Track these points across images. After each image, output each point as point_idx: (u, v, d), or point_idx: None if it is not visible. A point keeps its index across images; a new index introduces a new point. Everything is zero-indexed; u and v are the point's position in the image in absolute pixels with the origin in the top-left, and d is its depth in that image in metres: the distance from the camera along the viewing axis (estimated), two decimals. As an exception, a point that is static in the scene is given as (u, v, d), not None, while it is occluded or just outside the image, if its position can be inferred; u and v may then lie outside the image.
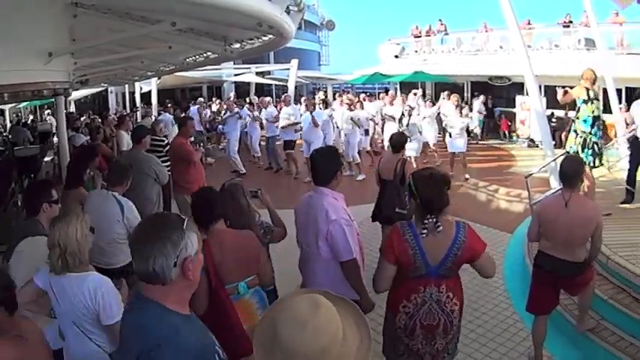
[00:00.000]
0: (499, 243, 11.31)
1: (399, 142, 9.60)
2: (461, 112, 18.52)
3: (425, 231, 4.39)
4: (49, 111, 33.95)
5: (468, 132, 19.34)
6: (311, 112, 17.54)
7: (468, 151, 18.51)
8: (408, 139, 14.24)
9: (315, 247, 5.02)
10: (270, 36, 8.30)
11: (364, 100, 23.24)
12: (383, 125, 22.71)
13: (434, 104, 20.98)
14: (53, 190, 5.93)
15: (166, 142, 11.40)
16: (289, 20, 7.75)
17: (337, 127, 19.43)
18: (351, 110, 18.60)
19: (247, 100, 28.44)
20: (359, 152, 18.60)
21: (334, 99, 27.00)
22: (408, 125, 17.21)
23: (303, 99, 24.05)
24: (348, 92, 32.32)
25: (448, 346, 4.68)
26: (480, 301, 8.44)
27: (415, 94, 22.72)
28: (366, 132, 19.70)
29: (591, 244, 6.22)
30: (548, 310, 6.53)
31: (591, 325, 7.18)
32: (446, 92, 22.81)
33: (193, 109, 24.92)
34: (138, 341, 2.70)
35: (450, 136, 18.04)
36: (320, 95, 28.06)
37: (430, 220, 4.39)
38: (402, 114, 17.92)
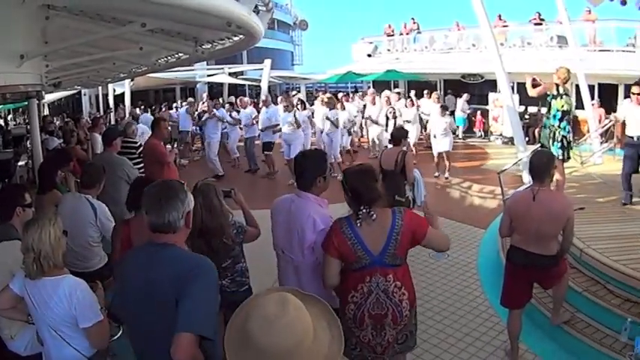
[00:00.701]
0: (473, 239, 11.40)
1: (398, 136, 10.30)
2: (444, 112, 18.33)
3: (359, 220, 4.48)
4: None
5: (453, 131, 18.99)
6: (294, 114, 17.29)
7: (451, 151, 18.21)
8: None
9: (300, 256, 4.95)
10: (241, 36, 8.29)
11: (345, 100, 22.87)
12: (362, 125, 22.86)
13: (414, 103, 20.98)
14: (26, 194, 5.88)
15: (139, 143, 11.31)
16: (258, 20, 7.75)
17: (318, 128, 19.32)
18: (330, 110, 18.31)
19: (221, 100, 28.40)
20: (340, 152, 18.48)
21: (307, 99, 27.04)
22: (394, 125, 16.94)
23: (279, 99, 23.99)
24: (325, 92, 32.20)
25: (398, 336, 4.69)
26: (455, 297, 8.49)
27: (398, 94, 22.55)
28: (349, 132, 19.62)
29: (563, 237, 6.28)
30: (522, 304, 6.58)
31: (566, 318, 7.24)
32: (425, 91, 23.02)
33: (182, 109, 24.53)
34: (174, 268, 3.45)
35: (435, 137, 17.83)
36: (299, 96, 27.91)
37: (363, 210, 4.46)
38: (387, 117, 17.95)
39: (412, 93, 25.22)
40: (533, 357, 6.87)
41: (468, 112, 26.77)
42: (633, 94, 10.33)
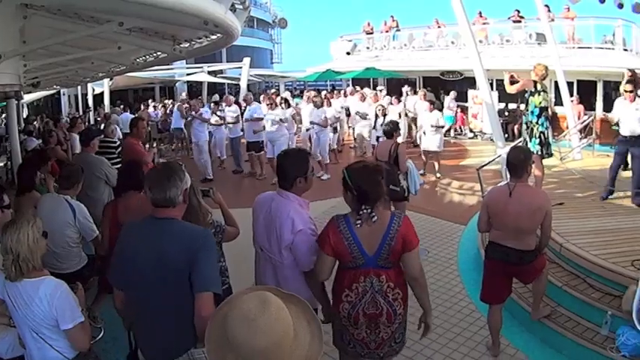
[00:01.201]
0: (453, 235, 11.48)
1: (391, 129, 10.57)
2: (433, 107, 18.18)
3: (359, 221, 4.45)
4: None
5: (441, 126, 18.44)
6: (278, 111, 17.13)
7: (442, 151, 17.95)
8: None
9: (278, 255, 4.90)
10: (218, 35, 8.27)
11: (329, 97, 22.86)
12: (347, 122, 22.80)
13: (399, 100, 20.93)
14: (5, 195, 5.85)
15: (118, 143, 11.26)
16: (234, 18, 7.73)
17: (304, 126, 19.28)
18: (318, 108, 18.20)
19: (199, 98, 28.30)
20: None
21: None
22: (382, 126, 16.52)
23: (261, 97, 23.86)
24: (310, 90, 32.12)
25: (394, 334, 4.71)
26: (436, 292, 8.50)
27: (380, 91, 22.45)
28: (335, 130, 19.44)
29: (541, 232, 6.31)
30: (502, 300, 6.61)
31: (547, 312, 7.28)
32: (408, 88, 23.06)
33: (175, 108, 24.10)
34: (185, 241, 3.95)
35: (425, 134, 17.70)
36: (283, 94, 27.83)
37: (365, 210, 4.44)
38: (376, 115, 17.56)
39: (405, 88, 25.54)
40: (515, 351, 6.91)
41: (456, 109, 26.60)
42: (625, 91, 10.39)
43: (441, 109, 20.62)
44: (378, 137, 15.59)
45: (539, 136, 10.53)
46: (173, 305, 3.97)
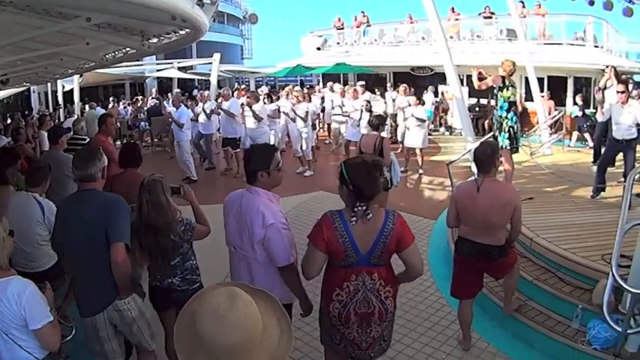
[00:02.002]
0: (424, 229, 11.54)
1: (377, 122, 10.95)
2: (420, 102, 18.11)
3: (354, 218, 4.39)
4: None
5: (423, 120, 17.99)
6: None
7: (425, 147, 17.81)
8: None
9: (251, 252, 4.85)
10: (187, 30, 8.22)
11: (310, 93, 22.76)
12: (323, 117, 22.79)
13: (384, 96, 20.85)
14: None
15: (87, 140, 11.14)
16: (202, 13, 7.67)
17: (285, 122, 19.19)
18: (299, 102, 18.07)
19: (169, 95, 28.13)
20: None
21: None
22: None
23: (235, 93, 23.60)
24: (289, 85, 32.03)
25: (384, 333, 4.70)
26: (407, 287, 8.40)
27: (362, 87, 22.30)
28: (313, 126, 19.29)
29: (511, 227, 6.33)
30: (472, 295, 6.65)
31: (516, 306, 7.33)
32: (388, 84, 23.10)
33: (169, 103, 23.14)
34: (102, 207, 5.08)
35: (408, 129, 17.57)
36: (263, 89, 27.65)
37: (360, 207, 4.38)
38: (361, 110, 17.17)
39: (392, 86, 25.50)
40: (486, 345, 6.95)
41: (435, 105, 26.46)
42: (618, 92, 10.46)
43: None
44: (363, 134, 15.43)
45: (509, 131, 10.65)
46: (97, 261, 4.97)
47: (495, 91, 10.81)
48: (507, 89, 10.57)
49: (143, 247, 5.42)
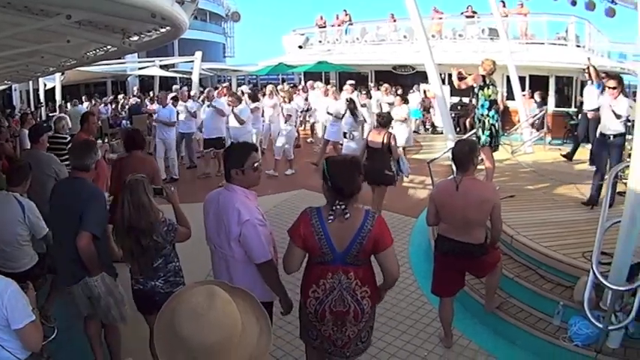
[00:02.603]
0: (405, 227, 11.61)
1: (385, 120, 11.39)
2: (403, 101, 18.09)
3: (331, 216, 4.41)
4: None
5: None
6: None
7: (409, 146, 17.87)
8: (351, 137, 15.04)
9: (229, 249, 4.85)
10: (167, 28, 8.20)
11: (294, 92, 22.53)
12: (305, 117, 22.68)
13: (368, 96, 20.81)
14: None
15: (69, 139, 11.08)
16: (182, 11, 7.65)
17: (267, 121, 19.22)
18: (285, 102, 18.02)
19: (151, 93, 28.06)
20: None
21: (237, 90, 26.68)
22: (352, 119, 15.72)
23: (216, 92, 23.40)
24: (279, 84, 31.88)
25: (361, 333, 4.68)
26: (388, 285, 8.54)
27: (351, 86, 22.18)
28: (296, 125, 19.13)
29: (492, 225, 6.36)
30: (453, 293, 6.66)
31: (497, 303, 7.36)
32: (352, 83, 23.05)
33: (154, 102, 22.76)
34: (82, 195, 5.72)
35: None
36: (244, 88, 27.59)
37: (338, 206, 4.40)
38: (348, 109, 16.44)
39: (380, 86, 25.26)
40: (468, 342, 6.97)
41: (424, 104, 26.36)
42: (609, 87, 10.46)
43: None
44: (345, 133, 15.47)
45: (490, 128, 10.71)
46: (71, 242, 5.47)
47: (476, 89, 10.83)
48: (488, 88, 10.64)
49: (125, 248, 5.41)
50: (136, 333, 6.18)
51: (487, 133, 10.69)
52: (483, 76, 10.66)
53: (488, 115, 10.68)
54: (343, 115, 16.17)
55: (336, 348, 4.69)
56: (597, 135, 10.79)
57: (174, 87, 26.90)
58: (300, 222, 4.58)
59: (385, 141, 10.82)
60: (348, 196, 4.42)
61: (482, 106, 10.73)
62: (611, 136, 10.10)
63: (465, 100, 23.99)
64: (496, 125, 10.69)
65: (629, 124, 9.91)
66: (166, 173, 16.76)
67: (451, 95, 22.94)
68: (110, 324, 6.18)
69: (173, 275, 5.58)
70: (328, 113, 17.92)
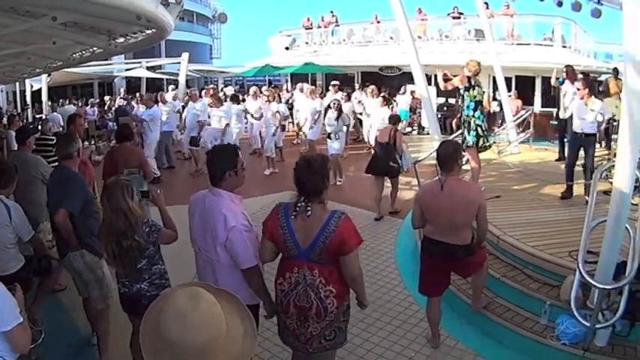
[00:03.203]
0: (391, 228, 11.63)
1: (393, 119, 12.78)
2: (386, 104, 17.88)
3: (294, 213, 4.51)
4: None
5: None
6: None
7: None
8: (335, 136, 15.13)
9: (214, 254, 4.83)
10: (153, 30, 8.19)
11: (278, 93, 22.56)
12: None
13: (349, 98, 20.77)
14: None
15: (55, 140, 11.03)
16: (167, 13, 7.66)
17: (250, 122, 19.30)
18: (269, 102, 18.13)
19: (137, 95, 28.00)
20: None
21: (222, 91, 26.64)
22: (337, 120, 15.65)
23: (203, 92, 23.33)
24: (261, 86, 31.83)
25: (324, 332, 4.67)
26: (375, 286, 8.59)
27: (334, 87, 22.05)
28: (283, 127, 19.04)
29: (477, 226, 6.36)
30: (439, 292, 6.67)
31: (485, 303, 7.38)
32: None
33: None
34: (62, 177, 6.68)
35: (371, 127, 17.45)
36: (228, 90, 27.51)
37: (302, 203, 4.49)
38: (329, 107, 16.38)
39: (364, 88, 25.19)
40: (455, 342, 6.97)
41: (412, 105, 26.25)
42: (578, 89, 10.59)
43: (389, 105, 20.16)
44: (329, 133, 15.47)
45: (476, 129, 10.68)
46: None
47: (462, 90, 10.82)
48: (474, 89, 10.62)
49: (107, 251, 5.40)
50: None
51: (473, 133, 10.66)
52: (469, 77, 10.64)
53: (473, 116, 10.66)
54: (325, 115, 16.24)
55: (300, 343, 4.74)
56: (571, 133, 11.20)
57: (171, 87, 26.92)
58: (270, 216, 4.71)
59: (391, 136, 12.07)
60: (310, 194, 4.51)
61: (468, 107, 10.72)
62: (583, 135, 10.28)
63: (452, 101, 24.02)
64: (482, 126, 10.69)
65: (603, 125, 10.20)
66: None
67: (437, 96, 22.96)
68: (98, 309, 6.53)
69: (158, 278, 5.54)
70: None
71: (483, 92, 10.99)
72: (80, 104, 28.79)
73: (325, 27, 34.57)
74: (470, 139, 10.64)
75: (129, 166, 8.77)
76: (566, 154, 11.94)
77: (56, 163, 9.36)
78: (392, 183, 12.65)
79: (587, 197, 9.76)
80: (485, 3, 22.07)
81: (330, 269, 4.56)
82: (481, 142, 10.69)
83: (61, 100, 28.01)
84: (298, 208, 4.50)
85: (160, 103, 18.77)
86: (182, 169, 18.99)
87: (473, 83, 10.63)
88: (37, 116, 27.24)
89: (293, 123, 23.50)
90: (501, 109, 18.80)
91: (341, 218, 4.50)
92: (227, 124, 16.90)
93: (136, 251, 5.29)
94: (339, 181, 15.73)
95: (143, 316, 2.41)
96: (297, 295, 4.56)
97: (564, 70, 13.73)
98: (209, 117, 17.47)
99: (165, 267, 5.68)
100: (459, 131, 12.15)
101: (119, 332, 6.31)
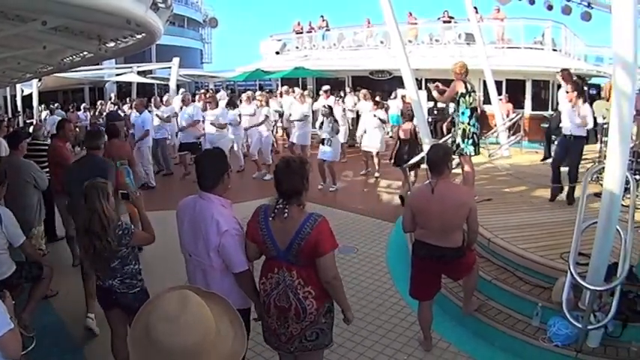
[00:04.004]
0: (382, 232, 11.59)
1: (411, 115, 14.17)
2: (377, 107, 17.77)
3: (272, 214, 4.54)
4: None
5: (383, 121, 17.87)
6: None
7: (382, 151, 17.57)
8: (327, 142, 15.01)
9: (207, 259, 4.83)
10: (143, 34, 8.19)
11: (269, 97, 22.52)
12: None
13: (342, 102, 20.76)
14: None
15: (48, 146, 11.01)
16: (156, 17, 7.65)
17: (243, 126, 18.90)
18: (262, 106, 18.11)
19: (128, 100, 28.01)
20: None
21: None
22: (331, 126, 15.49)
23: (197, 97, 23.17)
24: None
25: (305, 332, 4.67)
26: (366, 290, 8.61)
27: (326, 92, 21.96)
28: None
29: (468, 228, 6.38)
30: (431, 296, 6.68)
31: (476, 305, 7.39)
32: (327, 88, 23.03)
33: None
34: (101, 165, 7.74)
35: (365, 131, 17.30)
36: (222, 94, 27.45)
37: (280, 205, 4.52)
38: (322, 114, 16.22)
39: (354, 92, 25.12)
40: (447, 345, 6.98)
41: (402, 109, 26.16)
42: (567, 91, 10.64)
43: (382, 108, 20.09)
44: (323, 140, 15.37)
45: (472, 137, 10.53)
46: None
47: (457, 96, 10.57)
48: (470, 95, 10.45)
49: (84, 248, 5.56)
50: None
51: (470, 142, 10.51)
52: (464, 82, 10.43)
53: (469, 124, 10.48)
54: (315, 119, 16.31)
55: (281, 342, 4.76)
56: (560, 135, 11.21)
57: (181, 90, 26.93)
58: (251, 217, 4.76)
59: (412, 132, 13.84)
60: (287, 196, 4.54)
61: (463, 114, 10.49)
62: (572, 137, 10.35)
63: (441, 104, 24.08)
64: (477, 133, 10.64)
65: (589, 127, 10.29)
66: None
67: (427, 100, 22.99)
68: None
69: (130, 277, 5.68)
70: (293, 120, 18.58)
71: (476, 98, 10.95)
72: (72, 109, 28.72)
73: (315, 31, 34.60)
74: (468, 149, 10.50)
75: (120, 158, 8.98)
76: (552, 154, 11.95)
77: (47, 169, 9.44)
78: (414, 173, 13.65)
79: (565, 199, 10.19)
80: (475, 7, 22.18)
81: (308, 271, 4.58)
82: (477, 150, 10.70)
83: (57, 104, 28.04)
84: (276, 209, 4.53)
85: (154, 108, 18.79)
86: (180, 174, 18.72)
87: (469, 89, 10.44)
88: (28, 121, 27.20)
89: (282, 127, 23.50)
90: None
91: (317, 221, 4.52)
92: (225, 124, 16.83)
93: (108, 252, 5.41)
94: (332, 188, 15.59)
95: (132, 321, 2.41)
96: (277, 295, 4.60)
97: (560, 73, 13.75)
98: (203, 120, 17.30)
99: (139, 267, 5.81)
100: (450, 135, 12.16)
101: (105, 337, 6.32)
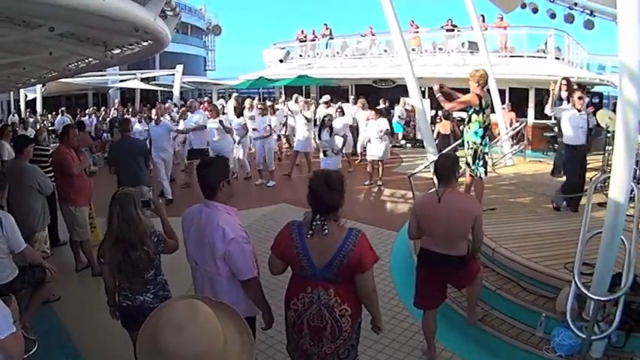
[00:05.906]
0: (386, 241, 11.54)
1: (447, 114, 16.39)
2: (380, 115, 17.77)
3: (310, 232, 4.39)
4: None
5: (387, 132, 17.53)
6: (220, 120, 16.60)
7: (387, 159, 17.66)
8: (331, 151, 15.30)
9: (214, 267, 4.78)
10: (150, 41, 8.20)
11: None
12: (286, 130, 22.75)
13: (343, 112, 20.79)
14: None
15: (51, 151, 11.01)
16: (164, 25, 7.67)
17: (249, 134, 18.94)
18: (262, 116, 18.12)
19: (128, 105, 28.11)
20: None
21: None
22: (330, 134, 15.75)
23: (202, 106, 23.04)
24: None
25: (339, 350, 4.60)
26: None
27: (326, 102, 21.84)
28: (278, 137, 18.98)
29: (473, 237, 6.36)
30: (436, 305, 6.64)
31: (480, 315, 7.38)
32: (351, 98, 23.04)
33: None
34: (137, 143, 11.97)
35: (370, 141, 17.24)
36: (222, 101, 27.47)
37: (319, 221, 4.37)
38: (323, 122, 16.38)
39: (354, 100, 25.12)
40: (451, 355, 6.93)
41: (406, 118, 26.15)
42: (578, 98, 10.51)
43: (386, 116, 19.99)
44: (324, 151, 15.52)
45: (483, 157, 9.88)
46: (134, 167, 9.40)
47: (470, 112, 9.78)
48: (483, 112, 9.60)
49: (110, 263, 5.33)
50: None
51: (480, 162, 9.85)
52: (480, 98, 9.49)
53: (481, 144, 9.75)
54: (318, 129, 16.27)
55: None
56: (564, 145, 11.13)
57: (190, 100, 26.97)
58: (282, 234, 4.60)
59: (452, 128, 16.17)
60: (324, 212, 4.40)
61: (476, 133, 9.70)
62: (577, 146, 10.45)
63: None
64: (488, 153, 10.28)
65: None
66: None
67: (431, 108, 22.96)
68: None
69: (161, 289, 5.54)
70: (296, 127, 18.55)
71: (489, 114, 9.99)
72: (80, 113, 28.81)
73: (319, 40, 34.66)
74: (479, 170, 9.85)
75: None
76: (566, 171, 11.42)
77: (52, 173, 9.46)
78: None
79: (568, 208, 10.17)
80: (482, 15, 22.19)
81: (345, 288, 4.48)
82: (486, 171, 10.11)
83: (62, 109, 28.21)
84: (314, 226, 4.39)
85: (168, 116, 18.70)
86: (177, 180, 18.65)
87: (484, 106, 9.58)
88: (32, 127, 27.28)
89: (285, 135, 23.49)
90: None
91: (358, 236, 4.42)
92: (230, 130, 16.84)
93: (145, 262, 5.28)
94: None
95: (140, 330, 2.40)
96: (310, 315, 4.48)
97: (564, 82, 13.60)
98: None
99: (165, 278, 5.69)
100: (456, 143, 12.05)
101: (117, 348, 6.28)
